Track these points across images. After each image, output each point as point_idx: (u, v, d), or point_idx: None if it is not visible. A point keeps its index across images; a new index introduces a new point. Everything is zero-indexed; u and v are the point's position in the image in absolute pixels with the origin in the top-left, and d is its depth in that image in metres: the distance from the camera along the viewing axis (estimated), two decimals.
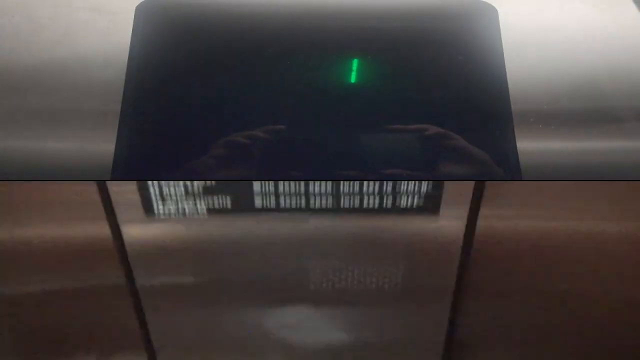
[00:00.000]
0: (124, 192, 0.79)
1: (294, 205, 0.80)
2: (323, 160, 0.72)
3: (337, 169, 0.72)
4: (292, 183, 0.78)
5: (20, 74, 0.73)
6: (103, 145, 0.70)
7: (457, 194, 0.77)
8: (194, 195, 0.79)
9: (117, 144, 0.70)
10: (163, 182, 0.78)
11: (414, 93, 0.74)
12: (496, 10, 0.80)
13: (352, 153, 0.72)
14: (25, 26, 0.76)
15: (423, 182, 0.78)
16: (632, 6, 0.82)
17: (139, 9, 0.77)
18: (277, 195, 0.79)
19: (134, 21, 0.76)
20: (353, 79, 0.75)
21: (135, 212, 0.80)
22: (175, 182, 0.78)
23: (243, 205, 0.80)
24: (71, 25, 0.76)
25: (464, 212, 0.79)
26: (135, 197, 0.79)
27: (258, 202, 0.79)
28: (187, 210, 0.80)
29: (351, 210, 0.80)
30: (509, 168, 0.71)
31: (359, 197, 0.80)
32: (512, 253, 0.78)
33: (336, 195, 0.80)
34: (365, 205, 0.80)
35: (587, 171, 0.72)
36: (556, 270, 0.75)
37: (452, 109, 0.74)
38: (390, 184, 0.78)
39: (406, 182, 0.78)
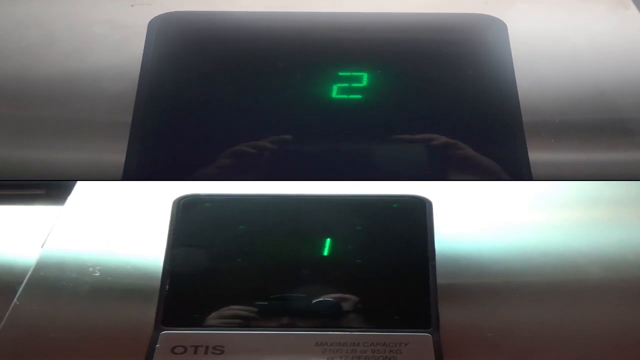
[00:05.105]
0: None
1: None
2: (330, 171, 0.72)
3: (344, 178, 0.72)
4: None
5: (35, 85, 0.74)
6: (114, 155, 0.70)
7: None
8: None
9: (127, 154, 0.71)
10: None
11: (425, 107, 0.75)
12: (505, 25, 0.80)
13: (360, 163, 0.72)
14: (41, 39, 0.78)
15: None
16: None
17: (151, 24, 0.78)
18: None
19: (147, 35, 0.77)
20: (362, 92, 0.75)
21: None
22: None
23: None
24: (85, 38, 0.78)
25: None
26: None
27: None
28: None
29: None
30: (522, 179, 0.71)
31: None
32: None
33: None
34: None
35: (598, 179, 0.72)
36: None
37: (464, 122, 0.74)
38: None
39: None
